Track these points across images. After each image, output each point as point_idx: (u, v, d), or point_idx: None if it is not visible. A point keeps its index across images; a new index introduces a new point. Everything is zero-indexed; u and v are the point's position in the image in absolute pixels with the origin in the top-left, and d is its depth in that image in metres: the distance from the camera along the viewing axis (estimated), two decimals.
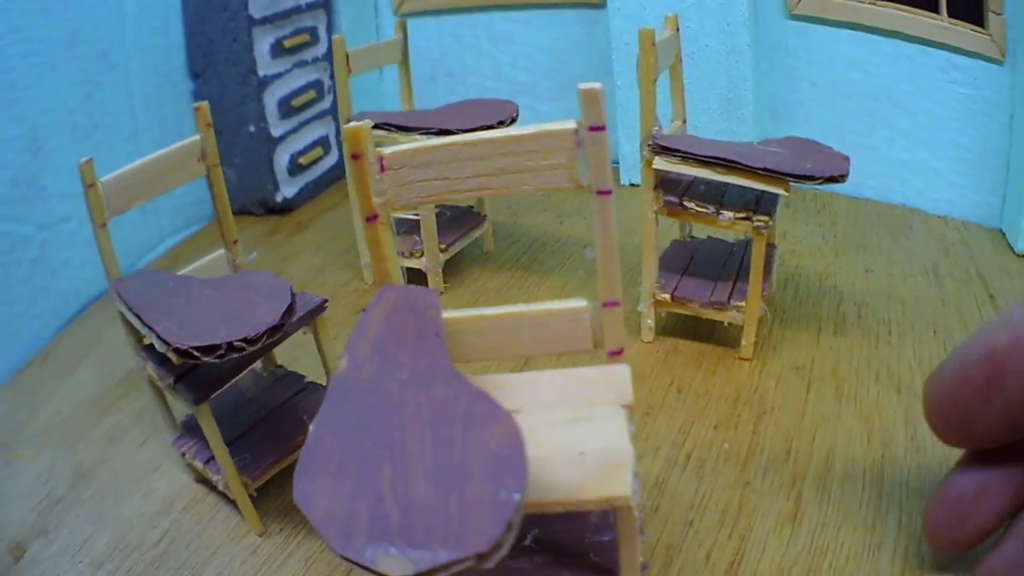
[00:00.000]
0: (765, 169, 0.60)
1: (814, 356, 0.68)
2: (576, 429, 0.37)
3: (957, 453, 0.56)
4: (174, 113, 1.02)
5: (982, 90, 0.90)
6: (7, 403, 0.75)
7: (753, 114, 0.98)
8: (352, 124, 0.37)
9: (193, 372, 0.53)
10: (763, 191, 0.64)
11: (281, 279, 0.52)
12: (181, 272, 0.59)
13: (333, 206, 1.13)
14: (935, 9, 0.92)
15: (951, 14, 0.91)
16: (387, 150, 0.39)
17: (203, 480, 0.60)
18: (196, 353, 0.44)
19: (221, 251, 0.61)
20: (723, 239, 0.78)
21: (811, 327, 0.73)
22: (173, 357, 0.47)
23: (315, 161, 1.12)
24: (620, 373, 0.39)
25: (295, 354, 0.69)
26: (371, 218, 0.41)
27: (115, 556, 0.54)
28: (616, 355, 0.40)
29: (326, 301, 0.55)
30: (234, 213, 0.61)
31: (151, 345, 0.56)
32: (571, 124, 0.36)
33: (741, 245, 0.75)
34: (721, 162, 0.61)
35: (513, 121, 0.75)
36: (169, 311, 0.50)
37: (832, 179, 0.60)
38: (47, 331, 0.86)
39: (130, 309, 0.52)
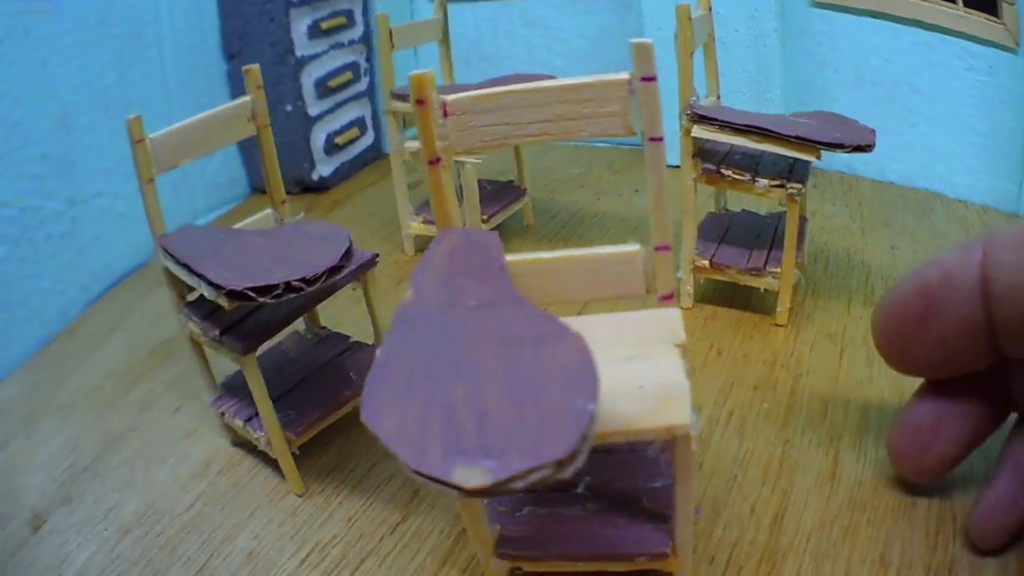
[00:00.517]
0: (797, 137, 0.60)
1: (845, 324, 0.68)
2: (633, 366, 0.37)
3: None
4: (208, 93, 1.02)
5: (997, 78, 0.90)
6: (30, 377, 0.73)
7: (781, 98, 0.98)
8: (417, 71, 0.38)
9: (240, 324, 0.52)
10: (795, 161, 0.66)
11: (337, 226, 0.52)
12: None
13: (369, 185, 1.13)
14: None
15: (966, 3, 0.91)
16: (450, 97, 0.39)
17: (241, 443, 0.59)
18: (251, 294, 0.44)
19: (268, 211, 0.61)
20: (756, 212, 0.78)
21: (842, 298, 0.73)
22: (224, 302, 0.46)
23: (351, 141, 1.12)
24: (672, 315, 0.40)
25: (337, 319, 0.69)
26: (434, 161, 0.41)
27: (144, 522, 0.53)
28: (667, 299, 0.41)
29: (377, 255, 0.55)
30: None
31: (194, 302, 0.56)
32: (624, 75, 0.38)
33: (774, 217, 0.76)
34: (756, 130, 0.62)
35: None
36: (220, 259, 0.49)
37: (859, 148, 0.60)
38: (74, 307, 0.85)
39: (177, 261, 0.51)
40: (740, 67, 0.97)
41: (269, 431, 0.52)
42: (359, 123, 1.14)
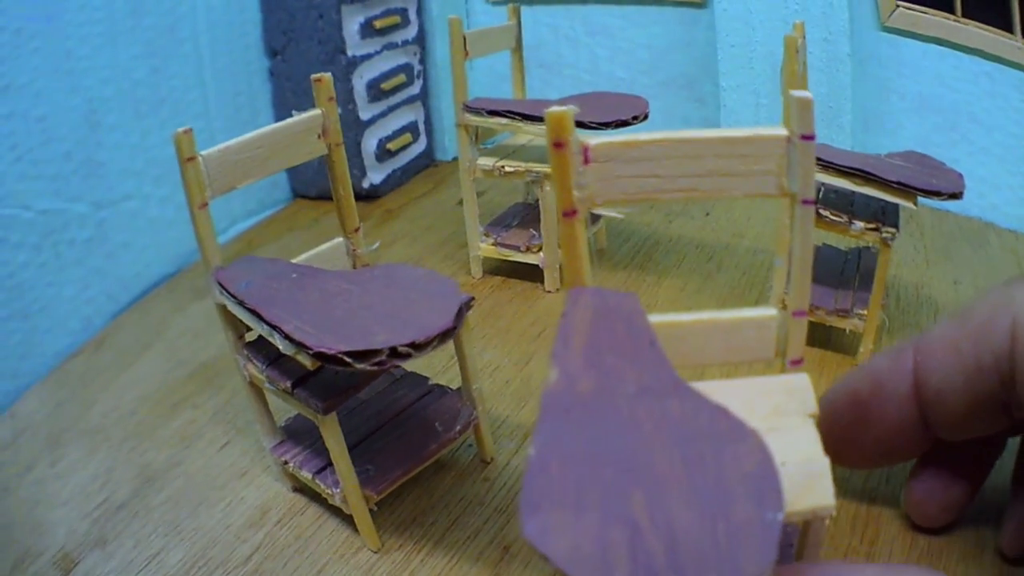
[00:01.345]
0: (899, 183, 0.57)
1: None
2: (772, 440, 0.33)
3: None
4: (248, 91, 0.93)
5: None
6: (54, 394, 0.65)
7: (851, 123, 0.94)
8: (555, 108, 0.32)
9: (315, 376, 0.45)
10: (887, 204, 0.62)
11: (438, 273, 0.45)
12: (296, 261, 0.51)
13: (423, 195, 1.05)
14: (1010, 29, 0.89)
15: None
16: (592, 141, 0.34)
17: (302, 490, 0.52)
18: (347, 359, 0.37)
19: (339, 239, 0.54)
20: (836, 247, 0.74)
21: (915, 335, 0.70)
22: (307, 362, 0.39)
23: (403, 147, 1.04)
24: (802, 382, 0.36)
25: None
26: (570, 213, 0.35)
27: (194, 574, 0.46)
28: (797, 364, 0.38)
29: (473, 298, 0.48)
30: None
31: (254, 342, 0.49)
32: (783, 131, 0.34)
33: (855, 253, 0.72)
34: (860, 173, 0.58)
35: (646, 117, 0.68)
36: (297, 307, 0.42)
37: (954, 195, 0.58)
38: (100, 317, 0.77)
39: (240, 303, 0.43)
40: (813, 90, 0.91)
41: (346, 490, 0.45)
42: (412, 128, 1.05)
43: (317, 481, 0.48)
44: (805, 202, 0.35)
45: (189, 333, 0.74)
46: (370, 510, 0.47)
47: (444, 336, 0.39)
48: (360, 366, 0.37)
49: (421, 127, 1.07)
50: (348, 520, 0.48)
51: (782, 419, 0.34)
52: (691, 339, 0.38)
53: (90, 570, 0.47)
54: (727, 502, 0.23)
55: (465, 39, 0.70)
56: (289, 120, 0.49)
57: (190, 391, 0.64)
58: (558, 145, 0.33)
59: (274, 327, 0.41)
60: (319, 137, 0.51)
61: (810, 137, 0.34)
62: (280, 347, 0.41)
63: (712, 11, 0.94)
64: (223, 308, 0.47)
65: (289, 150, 0.50)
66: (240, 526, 0.50)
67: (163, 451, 0.57)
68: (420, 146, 1.08)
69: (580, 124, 0.66)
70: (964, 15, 0.90)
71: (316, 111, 0.50)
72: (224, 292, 0.45)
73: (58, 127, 0.72)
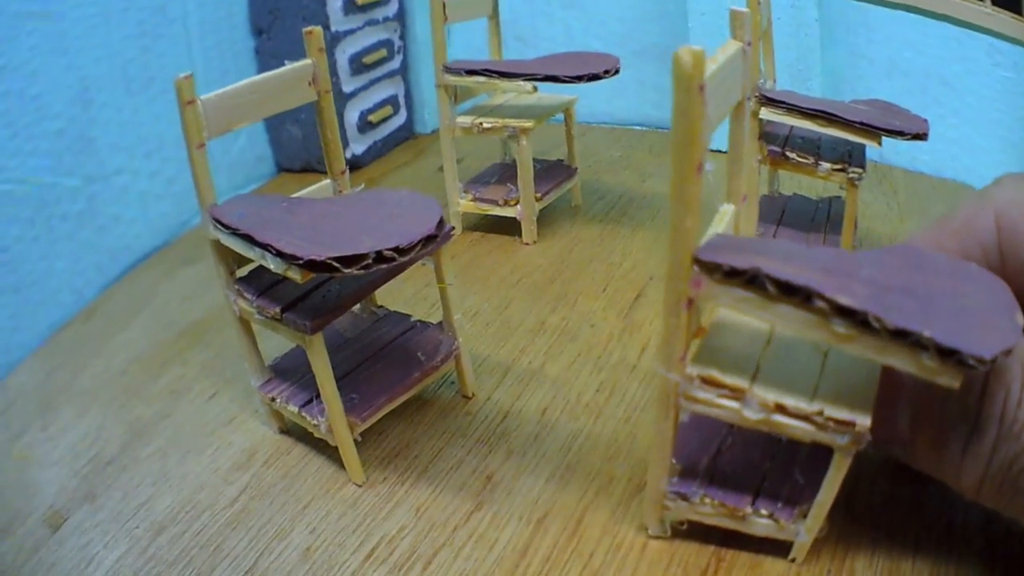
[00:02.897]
0: (861, 123, 0.60)
1: None
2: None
3: None
4: (235, 69, 0.97)
5: (1022, 74, 0.91)
6: (45, 362, 0.66)
7: (820, 87, 0.98)
8: (688, 50, 0.30)
9: (304, 301, 0.48)
10: (852, 147, 0.66)
11: (419, 193, 0.47)
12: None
13: (403, 164, 1.08)
14: None
15: (994, 1, 0.92)
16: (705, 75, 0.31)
17: (288, 431, 0.54)
18: (336, 264, 0.39)
19: (326, 181, 0.56)
20: (808, 196, 0.77)
21: None
22: (296, 275, 0.41)
23: (384, 119, 1.07)
24: None
25: (386, 299, 0.64)
26: (701, 166, 0.33)
27: (181, 519, 0.47)
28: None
29: (453, 228, 0.50)
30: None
31: (245, 277, 0.51)
32: (739, 43, 0.38)
33: (825, 202, 0.75)
34: (823, 114, 0.61)
35: (617, 72, 0.72)
36: (289, 228, 0.44)
37: (917, 136, 0.60)
38: (91, 289, 0.79)
39: (233, 232, 0.46)
40: (781, 55, 0.96)
41: (332, 416, 0.47)
42: (392, 101, 1.09)
43: (303, 414, 0.50)
44: (749, 98, 0.40)
45: (178, 297, 0.76)
46: (355, 441, 0.48)
47: (427, 241, 0.42)
48: (348, 270, 0.40)
49: (401, 100, 1.12)
50: (333, 458, 0.50)
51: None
52: None
53: (79, 524, 0.48)
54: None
55: (444, 4, 0.74)
56: (282, 68, 0.53)
57: (179, 349, 0.66)
58: (702, 88, 0.30)
59: (265, 247, 0.43)
60: (309, 84, 0.54)
61: (750, 43, 0.39)
62: (272, 266, 0.43)
63: None
64: (216, 243, 0.49)
65: (282, 96, 0.53)
66: (227, 469, 0.51)
67: (152, 406, 0.59)
68: (400, 119, 1.12)
69: (554, 78, 0.69)
70: None
71: (307, 60, 0.54)
72: (218, 225, 0.47)
73: (52, 105, 0.75)
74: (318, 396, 0.48)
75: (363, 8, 1.00)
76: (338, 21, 0.96)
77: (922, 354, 0.30)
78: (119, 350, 0.68)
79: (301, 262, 0.40)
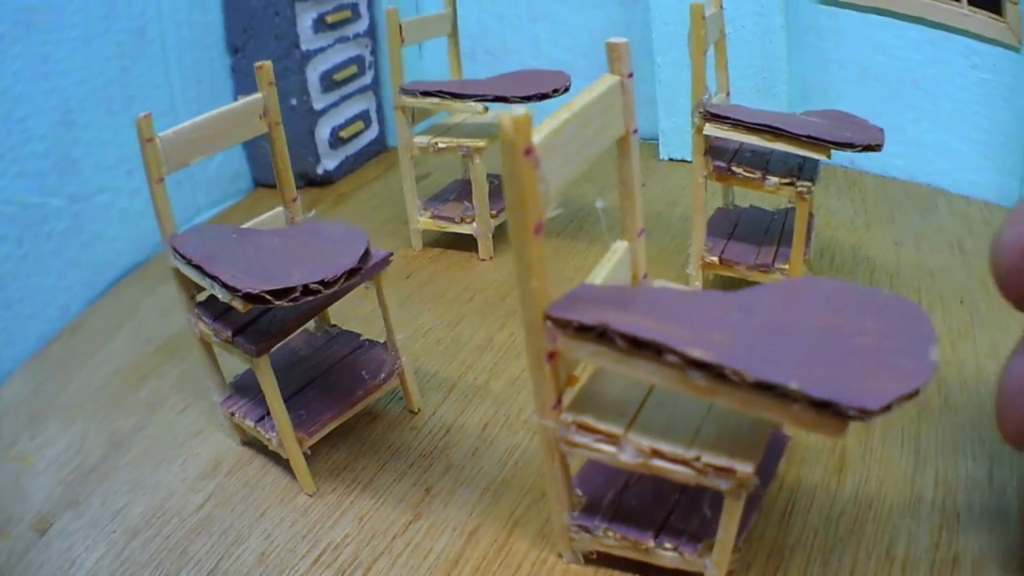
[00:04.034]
0: (809, 136, 0.60)
1: None
2: None
3: (987, 414, 0.55)
4: (211, 87, 1.01)
5: (1001, 76, 0.90)
6: (33, 376, 0.71)
7: (787, 93, 0.98)
8: (511, 114, 0.31)
9: (253, 325, 0.52)
10: (804, 159, 0.66)
11: (353, 225, 0.51)
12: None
13: (374, 179, 1.12)
14: None
15: (971, 2, 0.91)
16: (535, 139, 0.32)
17: (250, 443, 0.58)
18: (268, 297, 0.43)
19: (279, 209, 0.60)
20: (764, 208, 0.78)
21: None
22: (239, 305, 0.45)
23: (356, 135, 1.11)
24: None
25: (345, 316, 0.68)
26: (540, 228, 0.33)
27: (153, 524, 0.52)
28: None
29: (391, 254, 0.54)
30: (275, 186, 0.59)
31: (204, 302, 0.55)
32: (616, 76, 0.40)
33: (781, 213, 0.76)
34: (768, 129, 0.61)
35: (567, 90, 0.74)
36: (234, 260, 0.48)
37: (869, 147, 0.60)
38: (77, 304, 0.84)
39: (188, 262, 0.50)
40: (746, 63, 0.97)
41: (281, 432, 0.51)
42: (364, 116, 1.13)
43: (258, 429, 0.54)
44: (634, 131, 0.41)
45: (157, 312, 0.81)
46: (304, 454, 0.53)
47: (350, 274, 0.45)
48: (279, 302, 0.44)
49: (373, 115, 1.15)
50: (289, 469, 0.54)
51: None
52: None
53: (63, 528, 0.53)
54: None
55: (401, 27, 0.76)
56: (234, 104, 0.57)
57: (156, 363, 0.71)
58: (528, 152, 0.31)
59: (213, 278, 0.47)
60: (261, 118, 0.57)
61: (631, 75, 0.40)
62: (219, 296, 0.47)
63: None
64: (176, 271, 0.53)
65: (235, 130, 0.57)
66: (195, 478, 0.56)
67: (131, 418, 0.64)
68: (372, 133, 1.16)
69: (503, 99, 0.71)
70: None
71: (258, 95, 0.57)
72: (176, 255, 0.52)
73: (37, 126, 0.79)
74: (270, 412, 0.52)
75: (333, 26, 1.03)
76: (308, 39, 0.99)
77: (793, 406, 0.29)
78: (102, 364, 0.73)
79: (240, 294, 0.44)
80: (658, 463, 0.36)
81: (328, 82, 1.03)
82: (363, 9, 1.09)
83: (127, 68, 0.89)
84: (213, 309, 0.54)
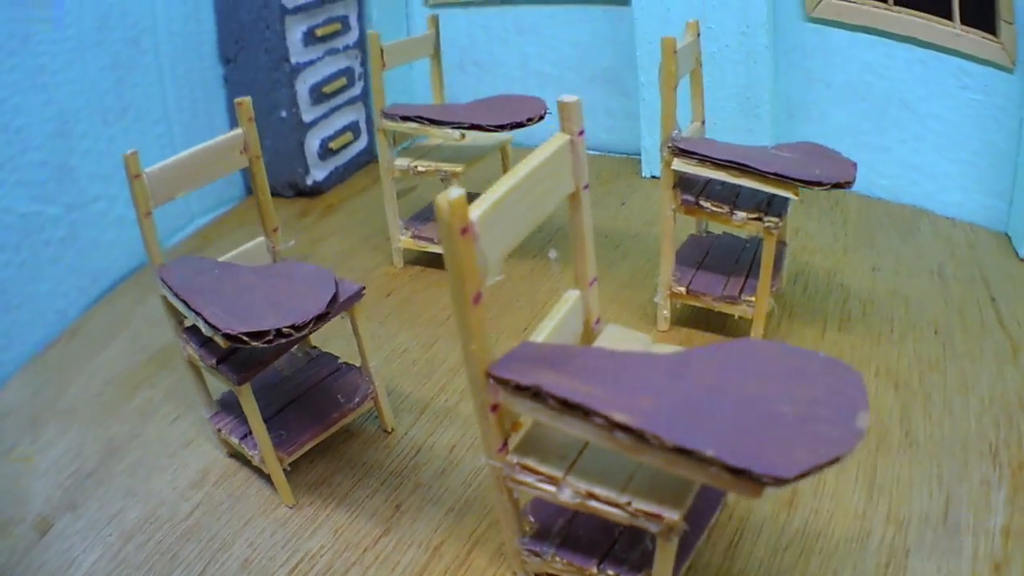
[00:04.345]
0: (776, 174, 0.63)
1: (818, 350, 0.70)
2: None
3: (949, 449, 0.58)
4: (204, 96, 1.05)
5: (992, 97, 0.91)
6: (33, 380, 0.77)
7: (770, 113, 1.00)
8: (447, 196, 0.34)
9: (235, 354, 0.57)
10: (773, 194, 0.68)
11: (324, 269, 0.55)
12: (223, 259, 0.62)
13: (362, 189, 1.17)
14: (949, 16, 0.92)
15: (964, 21, 0.91)
16: (472, 215, 0.36)
17: (236, 455, 0.64)
18: (245, 338, 0.48)
19: (261, 239, 0.65)
20: (737, 235, 0.80)
21: (817, 322, 0.76)
22: (221, 341, 0.50)
23: (345, 146, 1.15)
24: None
25: (327, 334, 0.73)
26: (478, 297, 0.37)
27: (145, 529, 0.57)
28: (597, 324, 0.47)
29: (363, 288, 0.58)
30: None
31: (192, 327, 0.60)
32: (566, 136, 0.43)
33: (754, 242, 0.78)
34: (735, 166, 0.64)
35: (542, 118, 0.78)
36: (216, 297, 0.53)
37: (838, 185, 0.62)
38: (73, 309, 0.89)
39: (175, 295, 0.55)
40: (731, 82, 0.99)
41: (262, 450, 0.57)
42: (353, 128, 1.17)
43: (242, 445, 0.60)
44: (585, 187, 0.44)
45: (149, 321, 0.86)
46: (284, 470, 0.58)
47: (319, 319, 0.50)
48: (255, 343, 0.49)
49: (362, 126, 1.19)
50: (271, 482, 0.60)
51: None
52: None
53: (63, 530, 0.59)
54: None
55: (383, 51, 0.80)
56: (216, 139, 0.61)
57: (149, 372, 0.77)
58: (465, 231, 0.34)
59: (198, 313, 0.52)
60: (241, 152, 0.62)
61: (582, 133, 0.43)
62: (203, 330, 0.52)
63: (633, 10, 1.02)
64: (164, 299, 0.58)
65: (217, 165, 0.61)
66: (184, 487, 0.62)
67: (125, 425, 0.70)
68: (361, 143, 1.20)
69: (478, 127, 0.75)
70: (897, 2, 0.94)
71: (238, 131, 0.62)
72: (165, 286, 0.56)
73: (34, 137, 0.84)
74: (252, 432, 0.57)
75: (323, 39, 1.06)
76: (298, 52, 1.03)
77: (710, 468, 0.32)
78: (98, 371, 0.78)
79: (221, 333, 0.49)
80: (594, 504, 0.40)
81: (317, 95, 1.07)
82: (353, 21, 1.12)
83: (121, 78, 0.94)
84: (199, 335, 0.59)
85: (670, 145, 0.67)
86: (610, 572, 0.44)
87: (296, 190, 1.12)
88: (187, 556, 0.55)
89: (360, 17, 1.13)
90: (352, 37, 1.12)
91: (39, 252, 0.86)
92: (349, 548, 0.55)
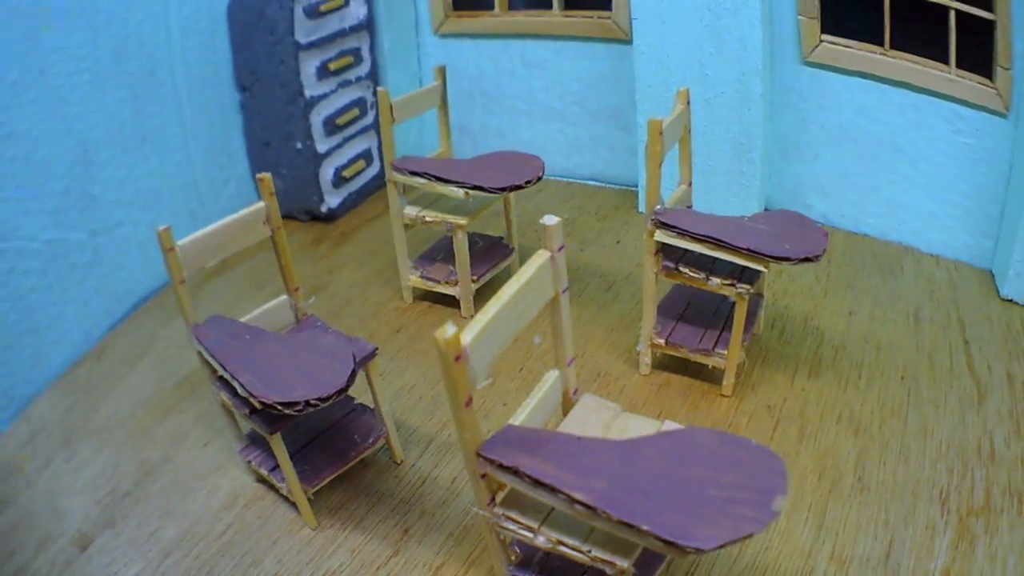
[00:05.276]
0: (748, 249, 0.75)
1: (786, 396, 0.84)
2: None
3: (899, 494, 0.68)
4: (222, 123, 1.17)
5: (984, 140, 1.00)
6: (62, 399, 0.89)
7: (761, 158, 1.11)
8: (444, 334, 0.48)
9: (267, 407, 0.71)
10: None
11: (342, 340, 0.69)
12: (249, 317, 0.75)
13: (374, 216, 1.30)
14: (945, 60, 1.00)
15: (959, 65, 0.99)
16: (464, 340, 0.50)
17: (263, 480, 0.78)
18: (279, 407, 0.62)
19: (284, 297, 0.79)
20: None
21: (788, 368, 0.89)
22: (256, 404, 0.65)
23: (358, 173, 1.28)
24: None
25: None
26: (469, 402, 0.52)
27: (183, 546, 0.70)
28: (575, 394, 0.61)
29: (376, 349, 0.72)
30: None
31: (223, 376, 0.74)
32: (546, 252, 0.57)
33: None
34: (711, 240, 0.77)
35: (539, 180, 0.90)
36: (248, 363, 0.67)
37: (806, 259, 0.75)
38: (98, 330, 1.03)
39: (212, 355, 0.69)
40: (724, 128, 1.09)
41: (289, 483, 0.73)
42: (366, 155, 1.29)
43: (271, 476, 0.76)
44: (564, 291, 0.58)
45: (175, 346, 1.01)
46: (308, 499, 0.74)
47: (340, 392, 0.65)
48: (287, 412, 0.64)
49: (375, 152, 1.32)
50: (296, 507, 0.75)
51: None
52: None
53: (103, 545, 0.71)
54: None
55: (392, 107, 0.91)
56: (241, 212, 0.74)
57: (178, 398, 0.92)
58: (458, 358, 0.49)
59: (234, 377, 0.66)
60: (264, 223, 0.75)
61: (562, 248, 0.56)
62: (239, 392, 0.66)
63: (633, 52, 1.12)
64: (199, 354, 0.72)
65: (242, 235, 0.75)
66: (217, 509, 0.76)
67: (157, 449, 0.84)
68: (374, 169, 1.33)
69: (479, 188, 0.88)
70: (893, 47, 1.03)
71: (261, 204, 0.75)
72: (200, 344, 0.70)
73: (56, 167, 0.97)
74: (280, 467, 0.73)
75: (336, 72, 1.18)
76: (312, 86, 1.15)
77: (647, 537, 0.45)
78: (126, 394, 0.92)
79: (256, 400, 0.63)
80: (563, 548, 0.56)
81: (331, 126, 1.19)
82: (365, 53, 1.23)
83: (140, 108, 1.06)
84: (232, 388, 0.73)
85: (653, 218, 0.79)
86: None
87: (311, 216, 1.26)
88: (222, 571, 0.69)
89: (372, 48, 1.24)
90: (364, 68, 1.24)
91: (64, 276, 1.00)
92: (364, 567, 0.70)
